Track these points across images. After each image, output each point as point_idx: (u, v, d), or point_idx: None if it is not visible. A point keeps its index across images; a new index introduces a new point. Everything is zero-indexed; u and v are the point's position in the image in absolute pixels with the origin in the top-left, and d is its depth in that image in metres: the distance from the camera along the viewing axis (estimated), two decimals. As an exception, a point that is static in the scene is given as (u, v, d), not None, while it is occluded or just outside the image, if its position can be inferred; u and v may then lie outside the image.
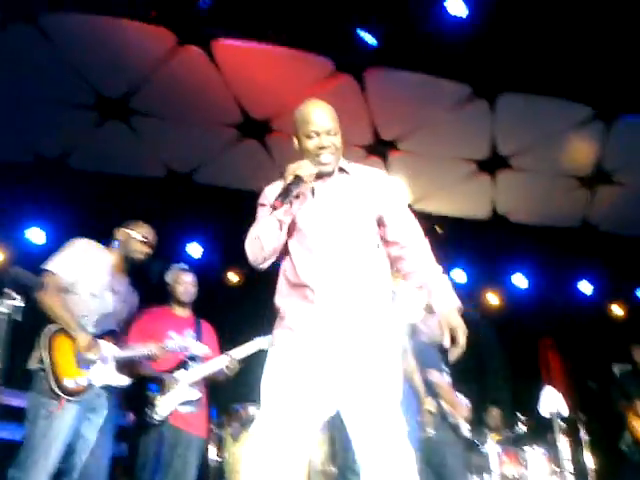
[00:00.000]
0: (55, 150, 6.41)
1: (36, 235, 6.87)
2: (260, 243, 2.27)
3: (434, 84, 5.73)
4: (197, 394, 3.92)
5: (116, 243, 3.63)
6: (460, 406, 4.62)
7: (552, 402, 4.60)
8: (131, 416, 3.90)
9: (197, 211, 6.98)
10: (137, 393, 3.55)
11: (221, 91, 5.76)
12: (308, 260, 2.27)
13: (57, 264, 3.35)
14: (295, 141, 2.44)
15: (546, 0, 4.89)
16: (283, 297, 2.33)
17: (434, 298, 2.29)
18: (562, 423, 4.52)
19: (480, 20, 5.01)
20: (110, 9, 4.88)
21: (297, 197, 2.30)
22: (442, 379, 4.64)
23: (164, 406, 3.75)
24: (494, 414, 6.40)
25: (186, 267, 4.29)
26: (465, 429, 4.68)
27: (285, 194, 2.26)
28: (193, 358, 3.91)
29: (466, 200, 7.43)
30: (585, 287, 8.56)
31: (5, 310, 2.94)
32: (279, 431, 2.11)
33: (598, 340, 7.76)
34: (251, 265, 2.33)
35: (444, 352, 4.70)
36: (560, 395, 4.67)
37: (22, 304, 2.99)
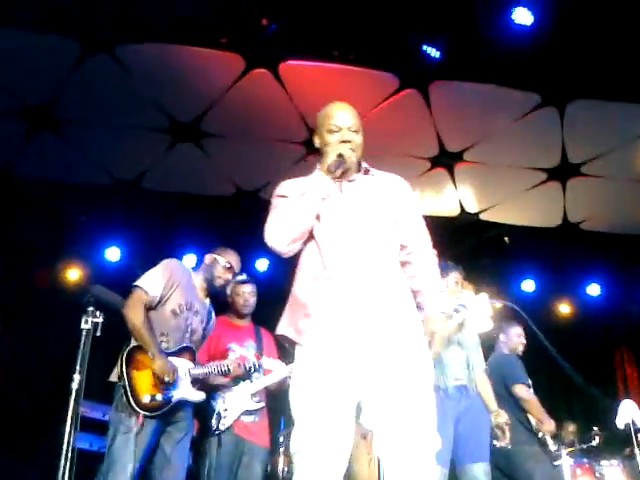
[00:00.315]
0: (131, 173, 6.66)
1: (112, 253, 7.16)
2: (286, 227, 2.34)
3: (501, 94, 5.68)
4: (259, 404, 3.99)
5: (202, 266, 3.78)
6: (548, 421, 4.54)
7: (629, 414, 4.44)
8: (197, 425, 4.00)
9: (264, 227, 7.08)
10: (201, 403, 3.61)
11: (288, 110, 5.86)
12: (337, 254, 2.29)
13: (147, 281, 3.47)
14: (317, 139, 2.55)
15: (614, 4, 4.78)
16: (309, 291, 2.31)
17: (425, 302, 2.38)
18: (640, 436, 4.37)
19: (547, 27, 4.94)
20: (182, 38, 5.08)
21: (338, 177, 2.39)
22: (529, 394, 4.55)
23: (227, 416, 3.82)
24: (569, 427, 6.22)
25: (245, 278, 4.28)
26: (552, 444, 4.58)
27: (333, 170, 2.37)
28: (256, 369, 3.95)
29: (535, 209, 7.29)
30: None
31: (87, 326, 3.10)
32: (321, 441, 2.10)
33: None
34: (274, 251, 2.39)
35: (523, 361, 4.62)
36: (637, 407, 4.50)
37: (103, 320, 3.15)
